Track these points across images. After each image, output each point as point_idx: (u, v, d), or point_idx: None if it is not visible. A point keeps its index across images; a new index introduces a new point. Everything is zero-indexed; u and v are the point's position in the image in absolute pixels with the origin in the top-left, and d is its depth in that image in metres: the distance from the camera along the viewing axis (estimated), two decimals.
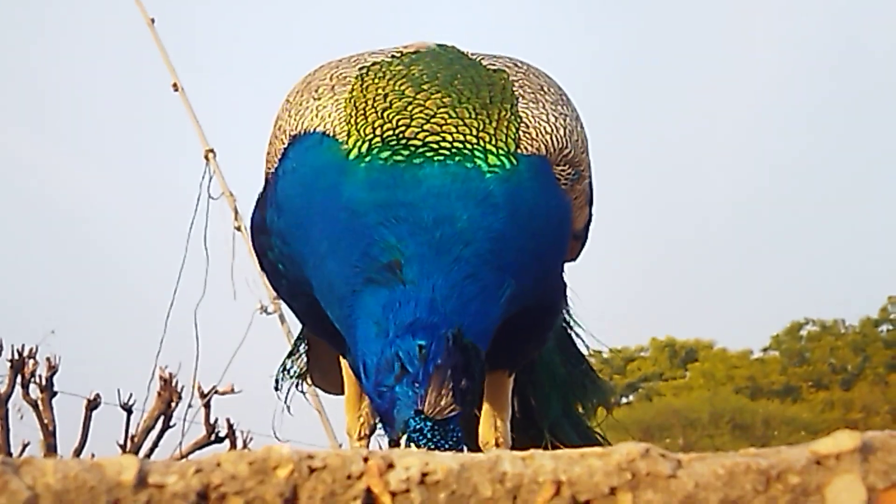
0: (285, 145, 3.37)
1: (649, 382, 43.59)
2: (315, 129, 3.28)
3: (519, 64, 3.46)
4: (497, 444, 3.65)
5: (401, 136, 3.16)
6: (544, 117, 3.30)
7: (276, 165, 3.41)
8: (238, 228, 7.30)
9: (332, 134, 3.24)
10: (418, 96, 3.24)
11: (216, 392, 9.50)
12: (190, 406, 9.56)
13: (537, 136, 3.25)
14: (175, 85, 7.77)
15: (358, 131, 3.19)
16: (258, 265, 3.70)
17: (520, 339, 3.38)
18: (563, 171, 3.30)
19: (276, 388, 4.41)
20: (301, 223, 3.28)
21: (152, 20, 7.84)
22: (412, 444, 2.87)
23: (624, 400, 43.01)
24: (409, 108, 3.21)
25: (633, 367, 44.27)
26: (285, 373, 4.40)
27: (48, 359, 10.15)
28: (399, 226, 3.04)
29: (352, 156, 3.17)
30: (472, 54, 3.48)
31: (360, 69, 3.36)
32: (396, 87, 3.26)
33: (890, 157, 62.15)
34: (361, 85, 3.30)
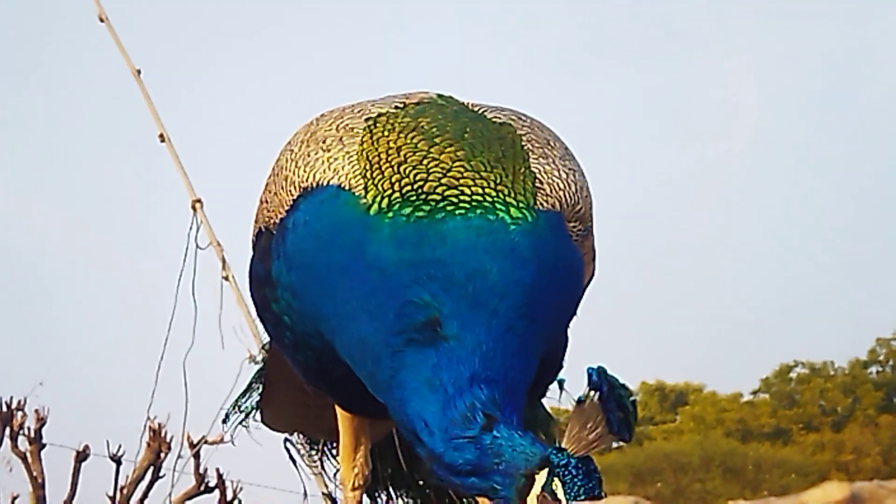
0: (294, 197, 3.35)
1: (639, 426, 43.26)
2: (329, 182, 3.27)
3: (523, 117, 3.48)
4: None
5: (419, 190, 3.17)
6: (556, 173, 3.32)
7: (282, 217, 3.39)
8: (226, 278, 7.31)
9: (347, 188, 3.23)
10: (432, 150, 3.24)
11: (206, 442, 9.47)
12: (179, 456, 9.53)
13: (552, 192, 3.27)
14: (161, 136, 7.78)
15: (376, 186, 3.19)
16: (257, 316, 3.65)
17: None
18: (574, 227, 3.32)
19: (224, 421, 4.47)
20: (319, 279, 3.26)
21: (138, 71, 7.86)
22: (557, 480, 2.88)
23: (614, 445, 42.85)
24: (424, 161, 3.22)
25: None
26: (236, 408, 4.45)
27: (37, 411, 10.15)
28: (431, 283, 3.06)
29: (372, 211, 3.16)
30: (474, 105, 3.49)
31: (367, 120, 3.36)
32: (409, 141, 3.27)
33: (879, 196, 62.33)
34: (371, 137, 3.30)
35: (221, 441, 9.39)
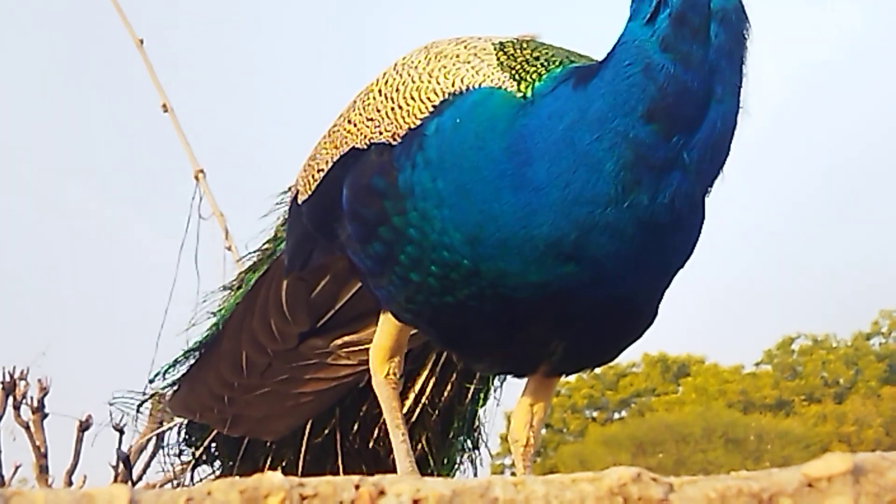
0: (434, 103, 3.27)
1: (641, 398, 43.59)
2: (480, 85, 3.25)
3: None
4: (527, 444, 3.49)
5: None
6: None
7: (413, 126, 3.28)
8: (229, 248, 7.31)
9: (501, 87, 3.23)
10: (569, 58, 3.30)
11: None
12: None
13: None
14: (164, 105, 7.77)
15: (526, 79, 3.22)
16: (357, 240, 3.39)
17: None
18: None
19: (151, 381, 4.50)
20: (484, 179, 3.13)
21: (141, 41, 7.85)
22: None
23: (616, 416, 43.05)
24: (564, 65, 3.27)
25: (625, 382, 44.27)
26: (162, 376, 4.41)
27: (39, 380, 10.13)
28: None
29: (529, 96, 3.18)
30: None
31: (492, 43, 3.38)
32: (544, 54, 3.31)
33: (881, 171, 62.32)
34: (505, 53, 3.32)
35: None
